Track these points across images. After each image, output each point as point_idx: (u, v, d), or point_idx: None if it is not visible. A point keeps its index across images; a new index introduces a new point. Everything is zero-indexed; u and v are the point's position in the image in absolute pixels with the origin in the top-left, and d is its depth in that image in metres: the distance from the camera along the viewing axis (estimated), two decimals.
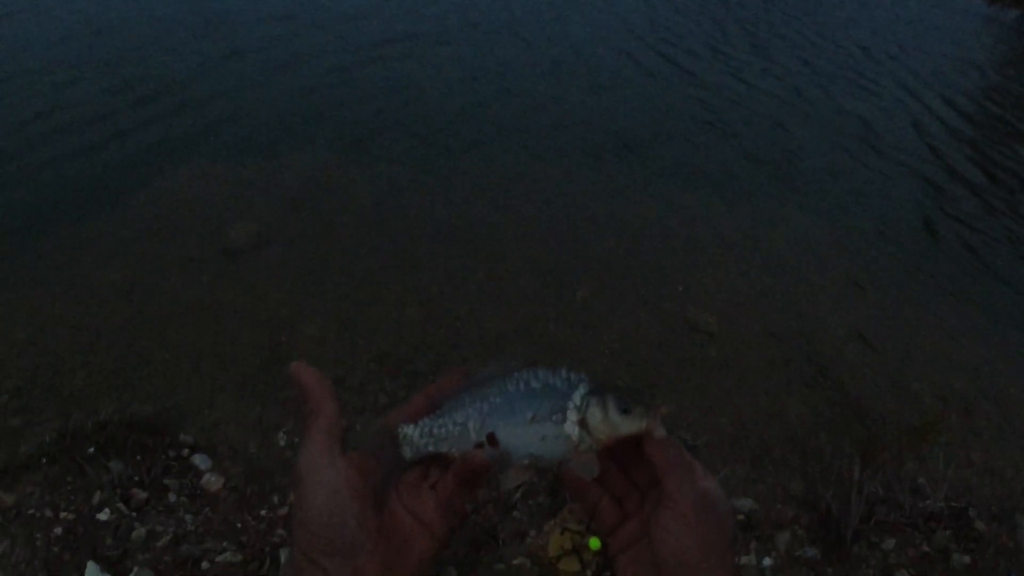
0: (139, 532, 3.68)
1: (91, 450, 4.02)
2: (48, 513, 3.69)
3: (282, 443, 4.45)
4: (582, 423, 0.88)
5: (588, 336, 5.50)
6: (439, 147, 8.08)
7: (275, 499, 4.08)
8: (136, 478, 3.96)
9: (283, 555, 3.64)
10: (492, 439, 0.89)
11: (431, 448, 0.91)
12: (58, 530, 3.62)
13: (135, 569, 3.51)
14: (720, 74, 11.16)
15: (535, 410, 0.89)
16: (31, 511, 3.69)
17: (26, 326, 5.16)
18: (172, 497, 3.93)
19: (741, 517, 4.13)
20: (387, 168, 7.58)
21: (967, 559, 3.78)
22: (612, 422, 0.87)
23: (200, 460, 4.20)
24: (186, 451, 4.24)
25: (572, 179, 7.69)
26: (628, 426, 0.87)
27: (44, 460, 3.94)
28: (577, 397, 0.89)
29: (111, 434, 4.14)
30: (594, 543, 3.23)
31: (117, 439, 4.13)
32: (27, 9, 10.88)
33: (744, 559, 3.92)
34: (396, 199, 7.03)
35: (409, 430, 0.92)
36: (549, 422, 0.88)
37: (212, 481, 4.08)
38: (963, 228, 7.66)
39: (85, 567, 3.47)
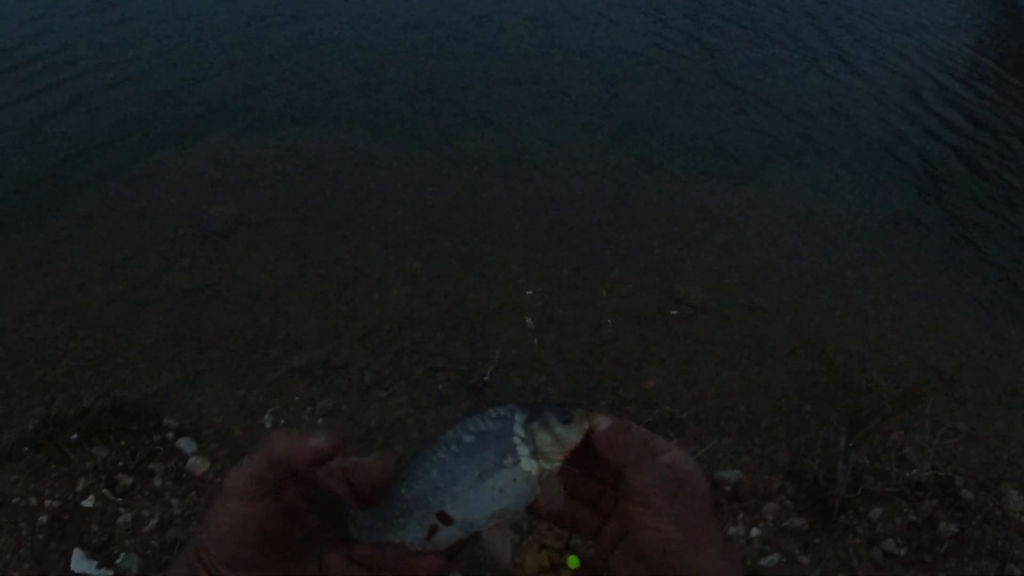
0: (125, 518, 3.67)
1: (74, 436, 3.99)
2: (32, 501, 3.67)
3: (267, 425, 4.44)
4: (535, 453, 0.81)
5: (574, 312, 5.48)
6: (420, 124, 7.98)
7: None
8: (121, 463, 3.93)
9: None
10: (444, 517, 0.80)
11: (382, 537, 0.81)
12: (43, 518, 3.60)
13: (122, 555, 3.50)
14: (701, 49, 11.08)
15: (480, 466, 0.80)
16: (15, 500, 3.67)
17: (6, 313, 5.12)
18: (157, 481, 3.91)
19: (728, 488, 4.15)
20: (367, 146, 7.49)
21: (954, 528, 3.80)
22: (561, 436, 0.81)
23: (185, 444, 4.17)
24: (170, 435, 4.21)
25: (556, 155, 7.62)
26: (576, 433, 0.82)
27: (27, 448, 3.92)
28: (520, 430, 0.82)
29: (94, 420, 4.12)
30: (573, 561, 3.18)
31: (101, 425, 4.11)
32: None
33: (732, 530, 3.94)
34: (377, 177, 6.96)
35: (359, 517, 0.82)
36: (501, 469, 0.80)
37: (198, 464, 4.06)
38: (948, 200, 7.65)
39: (71, 555, 3.46)
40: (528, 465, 0.81)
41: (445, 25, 10.70)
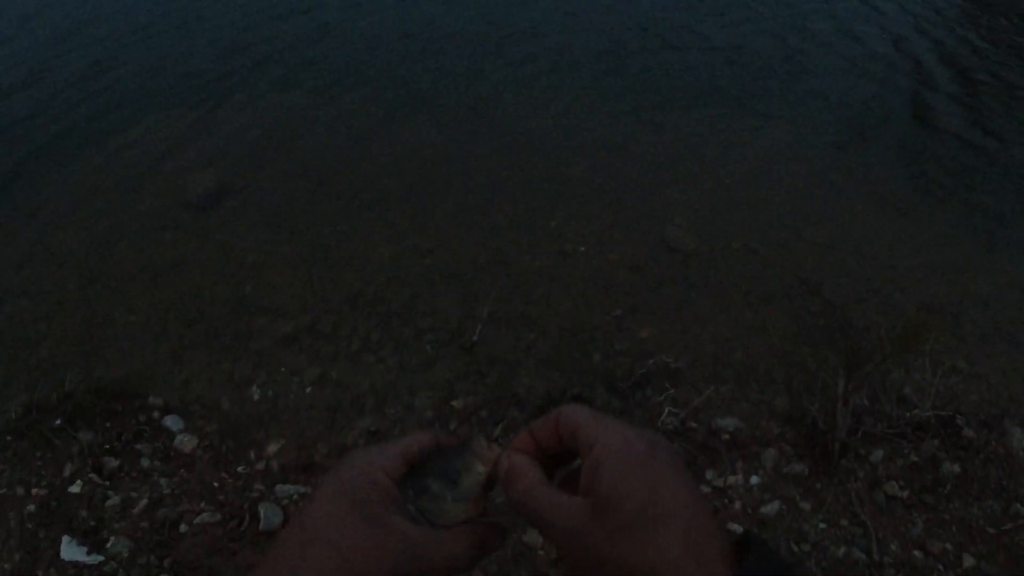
0: (113, 501, 3.62)
1: (58, 421, 3.94)
2: (19, 491, 3.63)
3: (256, 397, 4.37)
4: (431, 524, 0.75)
5: (564, 263, 5.36)
6: (399, 78, 7.77)
7: (251, 455, 4.01)
8: (107, 446, 3.89)
9: (263, 511, 3.59)
10: None
11: None
12: (31, 507, 3.57)
13: (112, 539, 3.46)
14: None
15: None
16: (2, 490, 3.63)
17: None
18: (145, 462, 3.87)
19: (726, 436, 4.08)
20: (346, 105, 7.32)
21: (957, 468, 3.73)
22: (457, 496, 0.75)
23: (172, 421, 4.13)
24: (157, 413, 4.17)
25: (539, 103, 7.40)
26: (473, 481, 0.76)
27: (10, 437, 3.86)
28: (411, 509, 0.75)
29: (78, 403, 4.07)
30: None
31: (84, 408, 4.06)
32: None
33: (731, 479, 3.87)
34: (357, 136, 6.80)
35: None
36: None
37: (186, 442, 4.02)
38: (943, 133, 7.36)
39: (60, 542, 3.42)
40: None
41: None
